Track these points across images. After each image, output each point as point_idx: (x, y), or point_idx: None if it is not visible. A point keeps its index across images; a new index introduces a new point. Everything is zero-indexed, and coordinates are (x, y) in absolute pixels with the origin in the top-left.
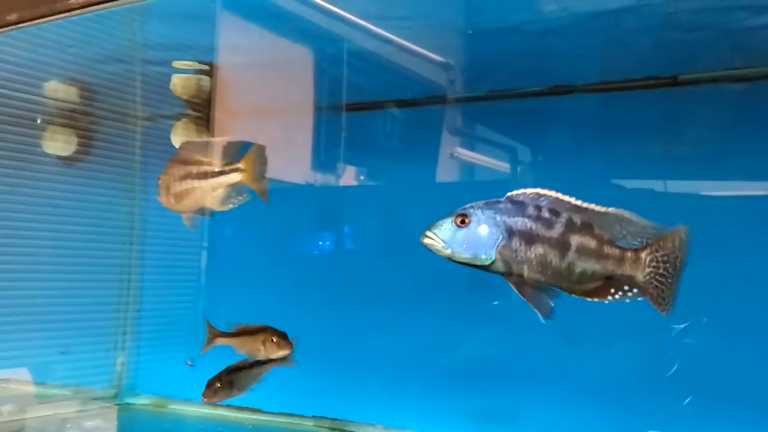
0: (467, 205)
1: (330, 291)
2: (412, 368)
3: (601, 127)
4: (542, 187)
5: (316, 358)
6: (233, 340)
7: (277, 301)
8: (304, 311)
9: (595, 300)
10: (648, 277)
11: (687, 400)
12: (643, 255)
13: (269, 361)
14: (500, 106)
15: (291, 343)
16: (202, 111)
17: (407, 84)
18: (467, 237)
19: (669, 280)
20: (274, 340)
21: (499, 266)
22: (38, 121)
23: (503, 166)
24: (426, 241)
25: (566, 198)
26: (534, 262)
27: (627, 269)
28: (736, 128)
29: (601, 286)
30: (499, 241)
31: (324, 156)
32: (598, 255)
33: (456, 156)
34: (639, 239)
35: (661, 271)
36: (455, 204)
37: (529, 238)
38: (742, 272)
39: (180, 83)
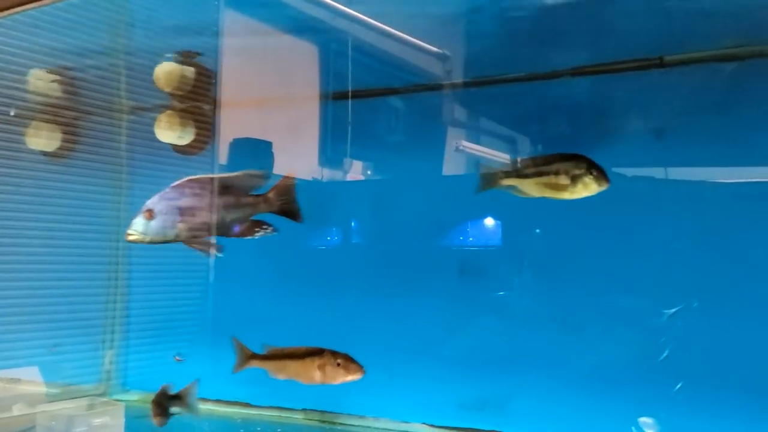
0: (148, 202)
1: (325, 283)
2: (403, 359)
3: (595, 110)
4: None
5: None
6: (271, 363)
7: (270, 295)
8: (298, 304)
9: (247, 237)
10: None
11: (678, 386)
12: (270, 195)
13: None
14: (488, 92)
15: (361, 366)
16: (186, 103)
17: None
18: (156, 225)
19: (294, 205)
20: (339, 363)
21: (182, 235)
22: (11, 114)
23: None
24: (130, 238)
25: (204, 176)
26: (200, 224)
27: (263, 208)
28: (727, 108)
29: (247, 227)
30: (176, 219)
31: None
32: (237, 204)
33: (461, 149)
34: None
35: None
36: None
37: (192, 210)
38: (734, 257)
39: (163, 75)
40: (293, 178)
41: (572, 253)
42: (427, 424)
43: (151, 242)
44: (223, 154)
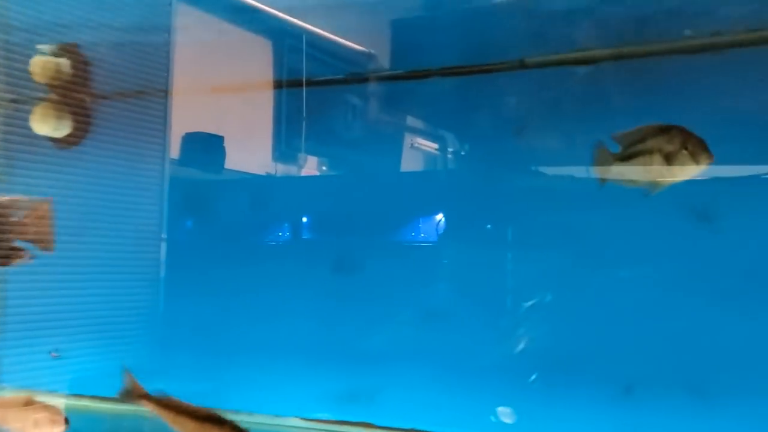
0: None
1: (206, 279)
2: (274, 353)
3: (457, 110)
4: None
5: (181, 346)
6: (167, 414)
7: (149, 290)
8: (178, 297)
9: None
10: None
11: (533, 377)
12: (26, 221)
13: None
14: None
15: None
16: (62, 95)
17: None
18: None
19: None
20: None
21: None
22: None
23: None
24: None
25: None
26: None
27: (19, 233)
28: (582, 110)
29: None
30: None
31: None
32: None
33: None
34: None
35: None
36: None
37: None
38: (586, 253)
39: (38, 67)
40: (48, 204)
41: (437, 248)
42: (300, 418)
43: None
44: (174, 149)
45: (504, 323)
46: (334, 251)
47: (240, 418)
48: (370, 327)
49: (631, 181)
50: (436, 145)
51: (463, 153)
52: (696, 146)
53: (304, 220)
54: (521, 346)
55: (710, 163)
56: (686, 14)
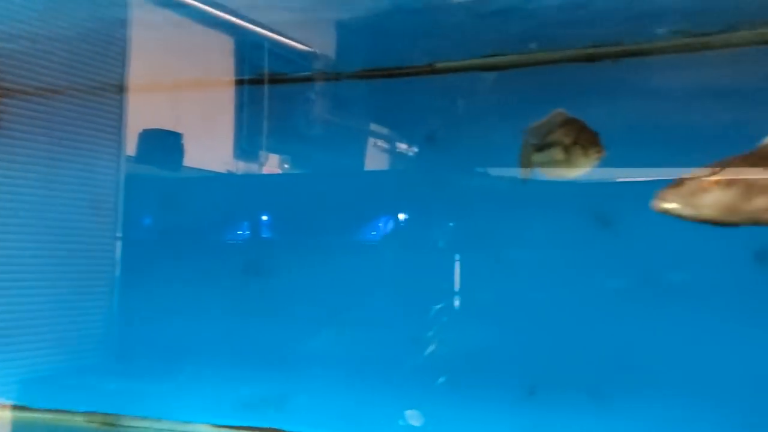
0: None
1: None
2: (184, 358)
3: (368, 113)
4: None
5: (87, 352)
6: None
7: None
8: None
9: None
10: None
11: (441, 380)
12: None
13: None
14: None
15: None
16: None
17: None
18: None
19: None
20: None
21: None
22: None
23: None
24: None
25: None
26: None
27: None
28: (490, 116)
29: None
30: None
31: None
32: None
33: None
34: None
35: None
36: None
37: None
38: (493, 257)
39: None
40: None
41: (343, 250)
42: (209, 424)
43: None
44: (131, 146)
45: (413, 326)
46: (245, 253)
47: (147, 425)
48: (280, 331)
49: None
50: (351, 148)
51: (376, 157)
52: (587, 141)
53: (220, 221)
54: (430, 349)
55: (600, 158)
56: (590, 22)
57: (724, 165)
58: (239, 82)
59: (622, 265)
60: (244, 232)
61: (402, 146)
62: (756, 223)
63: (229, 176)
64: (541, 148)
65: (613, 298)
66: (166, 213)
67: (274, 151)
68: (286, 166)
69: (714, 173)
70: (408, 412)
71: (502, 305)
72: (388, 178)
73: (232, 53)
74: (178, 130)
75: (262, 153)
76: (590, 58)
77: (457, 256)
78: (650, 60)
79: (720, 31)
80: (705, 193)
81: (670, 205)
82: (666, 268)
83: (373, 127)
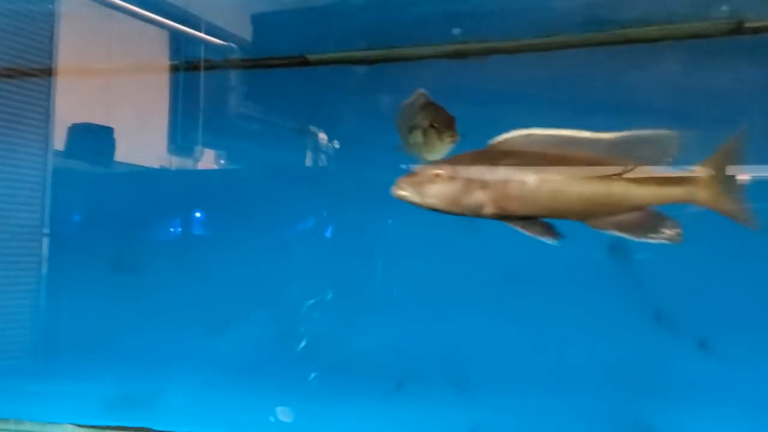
0: None
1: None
2: (51, 357)
3: (241, 103)
4: None
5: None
6: None
7: None
8: None
9: None
10: None
11: (313, 376)
12: None
13: None
14: None
15: None
16: None
17: None
18: None
19: None
20: None
21: None
22: None
23: None
24: None
25: None
26: None
27: None
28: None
29: None
30: None
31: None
32: None
33: None
34: None
35: None
36: None
37: None
38: (362, 253)
39: None
40: None
41: (213, 246)
42: (74, 425)
43: None
44: (59, 140)
45: (284, 323)
46: (113, 249)
47: (7, 427)
48: (147, 328)
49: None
50: (222, 140)
51: (245, 150)
52: (442, 124)
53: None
54: (301, 345)
55: (453, 142)
56: (459, 18)
57: (455, 160)
58: None
59: (485, 260)
60: (111, 229)
61: (274, 137)
62: (476, 215)
63: None
64: (410, 129)
65: (477, 291)
66: None
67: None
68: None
69: (441, 167)
70: (279, 409)
71: (372, 301)
72: (259, 171)
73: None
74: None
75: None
76: (459, 55)
77: (329, 251)
78: (517, 58)
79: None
80: (432, 184)
81: (404, 193)
82: (526, 261)
83: (247, 117)
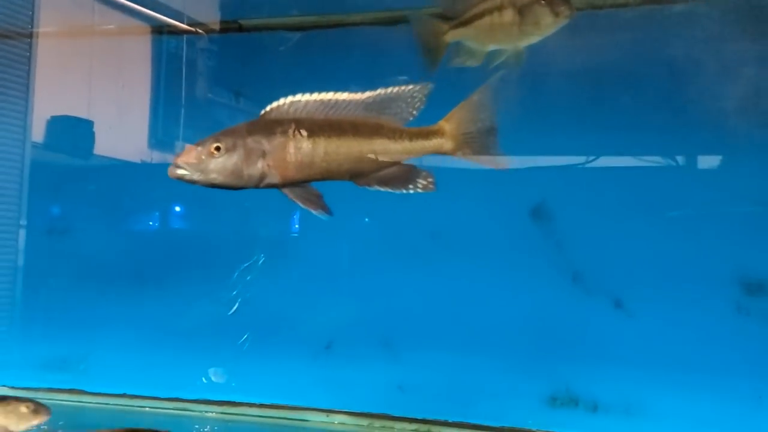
0: None
1: None
2: None
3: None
4: None
5: None
6: None
7: None
8: None
9: None
10: None
11: (244, 337)
12: None
13: None
14: None
15: None
16: None
17: None
18: None
19: None
20: None
21: None
22: None
23: None
24: None
25: None
26: None
27: None
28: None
29: None
30: None
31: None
32: None
33: None
34: None
35: None
36: None
37: None
38: (297, 214)
39: None
40: None
41: (147, 209)
42: (5, 386)
43: None
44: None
45: (216, 285)
46: (46, 212)
47: None
48: (79, 290)
49: (477, 50)
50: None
51: (183, 116)
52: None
53: None
54: (233, 308)
55: (570, 17)
56: None
57: (231, 133)
58: None
59: (409, 223)
60: (43, 191)
61: (210, 101)
62: (259, 185)
63: None
64: (469, 20)
65: (403, 253)
66: None
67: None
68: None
69: (218, 140)
70: (211, 370)
71: (301, 264)
72: (194, 133)
73: None
74: None
75: None
76: (391, 22)
77: (262, 216)
78: None
79: None
80: (211, 159)
81: (183, 172)
82: (450, 225)
83: (183, 81)
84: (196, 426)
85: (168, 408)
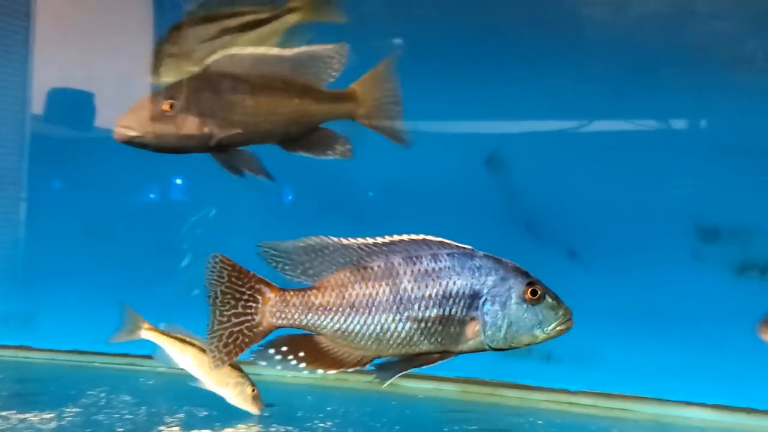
0: None
1: None
2: None
3: None
4: None
5: None
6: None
7: None
8: None
9: None
10: None
11: (195, 291)
12: None
13: None
14: None
15: None
16: None
17: None
18: None
19: None
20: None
21: None
22: None
23: None
24: None
25: None
26: None
27: None
28: None
29: None
30: None
31: None
32: None
33: None
34: None
35: None
36: None
37: None
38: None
39: None
40: None
41: (95, 168)
42: None
43: None
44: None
45: (168, 240)
46: None
47: None
48: (26, 246)
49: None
50: None
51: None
52: None
53: None
54: (184, 262)
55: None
56: None
57: (178, 89)
58: None
59: (363, 175)
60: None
61: None
62: (206, 147)
63: None
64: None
65: (356, 207)
66: None
67: None
68: None
69: (168, 96)
70: (161, 325)
71: (254, 216)
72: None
73: None
74: None
75: None
76: None
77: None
78: None
79: None
80: (161, 122)
81: (133, 133)
82: (405, 175)
83: None
84: (148, 381)
85: (118, 363)
